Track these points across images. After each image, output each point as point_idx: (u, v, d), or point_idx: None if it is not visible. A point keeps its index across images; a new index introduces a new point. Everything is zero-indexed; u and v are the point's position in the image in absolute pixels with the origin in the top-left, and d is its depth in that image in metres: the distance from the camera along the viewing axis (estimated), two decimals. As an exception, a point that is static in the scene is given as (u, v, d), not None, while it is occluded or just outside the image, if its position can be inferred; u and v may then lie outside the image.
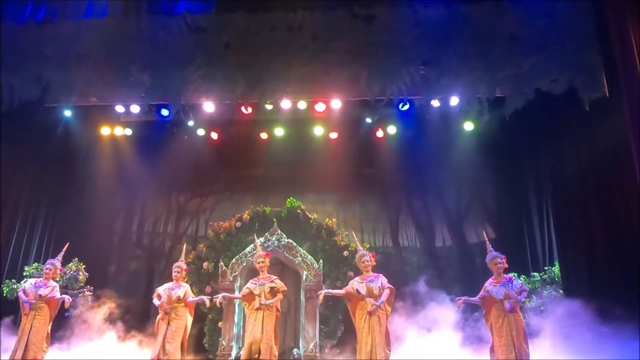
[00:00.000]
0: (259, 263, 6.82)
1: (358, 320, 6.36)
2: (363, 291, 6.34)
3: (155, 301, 6.86)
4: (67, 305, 6.86)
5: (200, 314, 8.78)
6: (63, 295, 6.90)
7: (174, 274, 7.03)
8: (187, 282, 8.72)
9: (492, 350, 6.18)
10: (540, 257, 8.89)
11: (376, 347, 6.07)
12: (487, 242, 6.71)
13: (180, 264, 7.13)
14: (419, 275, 9.46)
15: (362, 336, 6.22)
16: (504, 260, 6.39)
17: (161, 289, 6.94)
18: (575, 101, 6.39)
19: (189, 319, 6.88)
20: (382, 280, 6.44)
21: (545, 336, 7.03)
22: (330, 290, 6.77)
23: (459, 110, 8.55)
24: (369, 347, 6.10)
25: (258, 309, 6.45)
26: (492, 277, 6.38)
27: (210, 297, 7.09)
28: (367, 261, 6.57)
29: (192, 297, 6.94)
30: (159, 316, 6.80)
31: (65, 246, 7.55)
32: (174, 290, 6.86)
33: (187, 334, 6.85)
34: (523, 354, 5.89)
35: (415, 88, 6.76)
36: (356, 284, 6.47)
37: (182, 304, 6.80)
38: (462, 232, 10.02)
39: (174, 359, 6.54)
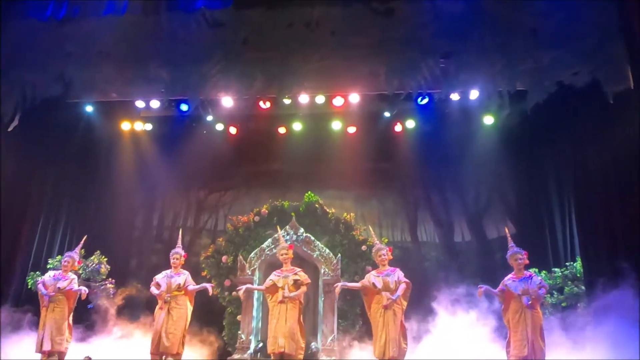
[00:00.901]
0: (282, 255, 6.80)
1: (373, 315, 6.36)
2: (379, 285, 6.34)
3: (154, 290, 6.78)
4: (83, 296, 6.93)
5: (219, 308, 8.89)
6: (80, 287, 6.97)
7: (172, 261, 6.91)
8: (206, 275, 8.88)
9: (508, 344, 6.16)
10: (561, 253, 8.75)
11: (390, 342, 6.06)
12: (509, 238, 6.65)
13: (179, 250, 7.04)
14: (437, 270, 9.44)
15: (377, 331, 6.22)
16: (524, 256, 6.33)
17: (159, 277, 6.84)
18: (599, 94, 6.27)
19: (189, 309, 6.79)
20: (399, 274, 6.44)
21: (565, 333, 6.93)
22: (346, 284, 6.78)
23: (479, 104, 8.42)
24: (383, 341, 6.10)
25: (281, 301, 6.45)
26: (513, 273, 6.34)
27: (212, 285, 7.07)
28: (384, 255, 6.56)
29: (192, 285, 6.83)
30: (157, 306, 6.77)
31: (83, 239, 7.67)
32: (174, 278, 6.77)
33: (188, 324, 6.76)
34: (537, 350, 5.85)
35: (434, 82, 6.71)
36: (372, 277, 6.48)
37: (182, 293, 6.72)
38: (482, 227, 9.91)
39: (174, 351, 6.52)
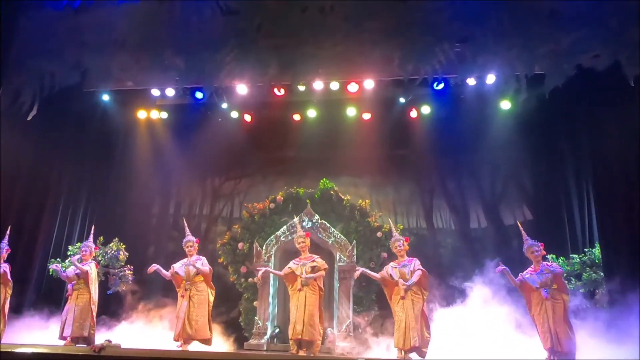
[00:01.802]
0: (299, 243, 6.84)
1: (393, 306, 6.45)
2: (396, 276, 6.42)
3: (165, 273, 6.91)
4: (96, 267, 7.26)
5: (236, 294, 8.99)
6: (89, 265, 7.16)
7: (187, 249, 7.02)
8: (223, 262, 8.98)
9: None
10: (579, 239, 8.64)
11: (410, 331, 6.07)
12: (522, 231, 6.59)
13: (191, 238, 7.12)
14: (453, 257, 9.41)
15: (397, 320, 6.29)
16: (540, 247, 6.31)
17: (177, 266, 6.94)
18: (619, 77, 6.12)
19: (211, 293, 6.91)
20: (415, 263, 6.45)
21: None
22: (367, 271, 6.79)
23: (495, 89, 8.32)
24: (402, 330, 6.15)
25: (300, 289, 6.51)
26: (531, 267, 6.33)
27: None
28: (400, 246, 6.61)
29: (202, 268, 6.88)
30: (179, 294, 6.87)
31: (92, 229, 7.79)
32: (191, 265, 6.90)
33: (211, 307, 6.89)
34: (563, 340, 5.82)
35: (450, 66, 6.58)
36: (390, 268, 6.57)
37: (202, 279, 6.84)
38: (498, 213, 9.83)
39: (202, 336, 6.66)
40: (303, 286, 6.48)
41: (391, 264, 6.65)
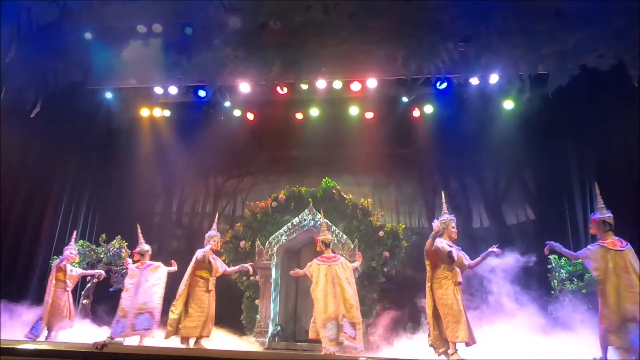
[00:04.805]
0: (322, 243, 6.67)
1: (443, 293, 5.44)
2: (455, 257, 5.45)
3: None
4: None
5: (237, 292, 8.99)
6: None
7: (213, 243, 6.86)
8: (225, 260, 8.97)
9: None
10: (582, 239, 8.63)
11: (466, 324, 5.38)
12: (599, 197, 6.02)
13: (216, 233, 7.04)
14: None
15: (455, 310, 5.36)
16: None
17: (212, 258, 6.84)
18: (623, 77, 6.11)
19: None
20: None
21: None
22: (429, 240, 5.59)
23: (499, 89, 8.32)
24: (465, 322, 5.33)
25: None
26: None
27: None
28: (455, 227, 5.91)
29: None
30: (201, 289, 6.76)
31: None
32: (217, 260, 6.88)
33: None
34: None
35: (453, 66, 6.60)
36: (447, 245, 5.55)
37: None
38: (501, 213, 9.82)
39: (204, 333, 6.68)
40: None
41: (447, 241, 5.67)
